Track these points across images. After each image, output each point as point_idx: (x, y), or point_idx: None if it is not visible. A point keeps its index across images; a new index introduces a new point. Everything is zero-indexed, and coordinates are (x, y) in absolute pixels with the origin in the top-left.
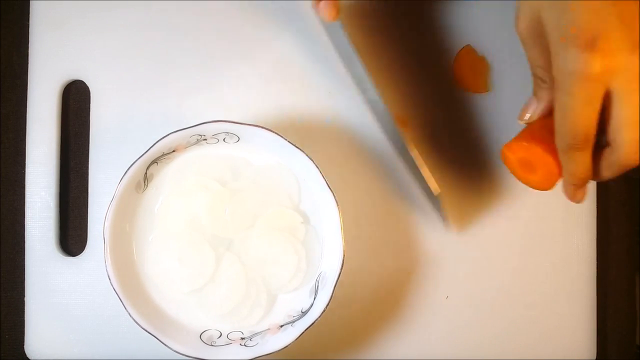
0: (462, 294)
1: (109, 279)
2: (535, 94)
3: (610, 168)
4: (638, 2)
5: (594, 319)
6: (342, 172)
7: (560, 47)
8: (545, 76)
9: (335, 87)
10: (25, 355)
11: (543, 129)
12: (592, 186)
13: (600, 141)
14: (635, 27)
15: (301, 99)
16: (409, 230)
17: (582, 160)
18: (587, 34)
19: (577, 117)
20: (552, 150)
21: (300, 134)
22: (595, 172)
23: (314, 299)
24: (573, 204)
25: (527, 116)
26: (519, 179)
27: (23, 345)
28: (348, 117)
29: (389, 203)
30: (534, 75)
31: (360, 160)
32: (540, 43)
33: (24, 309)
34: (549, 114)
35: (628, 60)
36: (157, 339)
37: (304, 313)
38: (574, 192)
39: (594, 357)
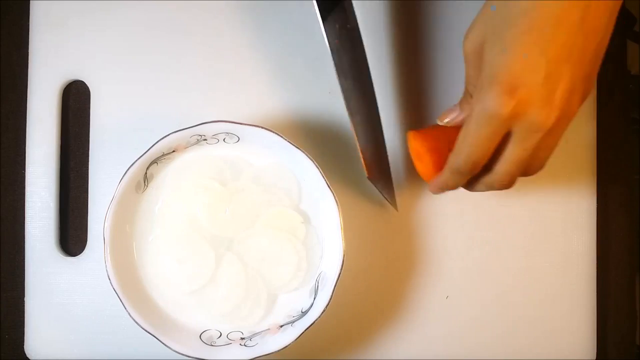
0: (462, 294)
1: (109, 279)
2: (460, 103)
3: (481, 186)
4: (567, 64)
5: (594, 319)
6: (342, 172)
7: (487, 81)
8: (469, 93)
9: (335, 87)
10: (25, 355)
11: (444, 136)
12: (591, 186)
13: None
14: (555, 88)
15: (301, 99)
16: (409, 229)
17: (460, 181)
18: (513, 80)
19: (475, 146)
20: (436, 154)
21: (300, 134)
22: (469, 184)
23: (314, 299)
24: (573, 204)
25: (446, 121)
26: (413, 161)
27: (23, 345)
28: (348, 117)
29: (389, 203)
30: (466, 88)
31: (360, 160)
32: (478, 66)
33: (24, 309)
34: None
35: (537, 114)
36: (157, 339)
37: (304, 313)
38: (436, 191)
39: (594, 357)
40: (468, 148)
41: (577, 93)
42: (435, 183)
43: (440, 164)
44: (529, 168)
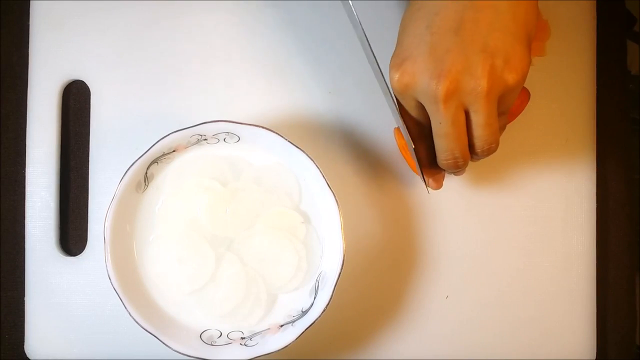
0: (462, 293)
1: (109, 279)
2: None
3: (439, 164)
4: (454, 38)
5: (594, 319)
6: (342, 172)
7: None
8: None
9: (335, 87)
10: (25, 355)
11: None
12: (591, 186)
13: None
14: (442, 59)
15: (301, 99)
16: (410, 230)
17: (423, 150)
18: (401, 55)
19: (406, 118)
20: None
21: (301, 134)
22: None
23: (314, 298)
24: (573, 204)
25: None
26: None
27: (23, 345)
28: (348, 117)
29: (389, 203)
30: None
31: (361, 160)
32: None
33: (24, 309)
34: None
35: (426, 84)
36: (158, 338)
37: (304, 313)
38: (427, 181)
39: (594, 357)
40: (405, 120)
41: (477, 66)
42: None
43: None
44: (473, 148)
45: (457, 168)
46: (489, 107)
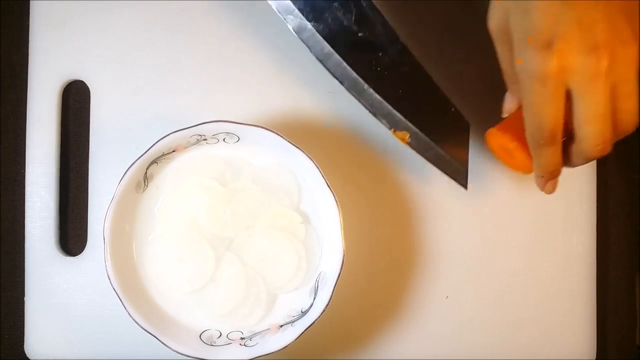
0: (462, 293)
1: (109, 279)
2: (508, 89)
3: (578, 158)
4: (597, 6)
5: (594, 319)
6: (342, 172)
7: (521, 47)
8: (511, 72)
9: (335, 87)
10: (25, 355)
11: (519, 121)
12: (592, 186)
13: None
14: (593, 31)
15: (301, 99)
16: (409, 230)
17: (551, 155)
18: (544, 35)
19: (541, 114)
20: (524, 141)
21: (301, 133)
22: (567, 161)
23: (314, 298)
24: (573, 204)
25: (505, 110)
26: (502, 161)
27: (23, 345)
28: (348, 117)
29: (388, 203)
30: (504, 70)
31: (360, 160)
32: (508, 41)
33: (24, 309)
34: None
35: (584, 61)
36: (157, 338)
37: (303, 313)
38: (544, 184)
39: (594, 357)
40: (535, 119)
41: (624, 29)
42: (536, 172)
43: (529, 151)
44: (618, 124)
45: (604, 153)
46: (637, 72)
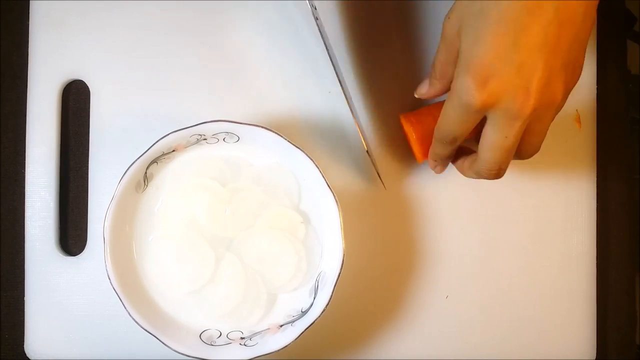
0: (462, 293)
1: (109, 278)
2: (429, 77)
3: (471, 172)
4: (540, 54)
5: (594, 319)
6: (342, 172)
7: (461, 69)
8: (440, 72)
9: (335, 87)
10: (25, 355)
11: (430, 117)
12: (591, 186)
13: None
14: (529, 78)
15: (301, 99)
16: (409, 230)
17: (447, 151)
18: (484, 71)
19: (453, 126)
20: (426, 138)
21: (300, 133)
22: (459, 167)
23: (314, 298)
24: (573, 203)
25: (418, 96)
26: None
27: (23, 345)
28: (348, 117)
29: (389, 202)
30: (434, 63)
31: (360, 160)
32: (452, 50)
33: (24, 308)
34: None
35: (511, 104)
36: (157, 338)
37: (303, 313)
38: (434, 165)
39: (594, 357)
40: (447, 126)
41: (556, 81)
42: (430, 155)
43: (424, 147)
44: (520, 154)
45: (495, 178)
46: (553, 117)
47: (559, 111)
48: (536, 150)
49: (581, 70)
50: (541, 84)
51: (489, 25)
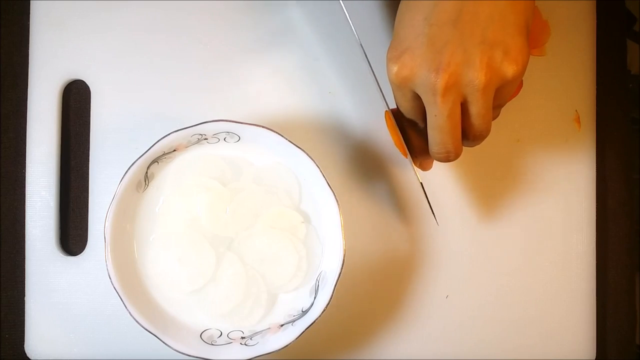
0: (462, 293)
1: (110, 278)
2: None
3: (431, 156)
4: (454, 30)
5: (594, 319)
6: (342, 172)
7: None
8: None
9: (335, 87)
10: (25, 355)
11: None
12: (591, 186)
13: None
14: (441, 51)
15: (301, 99)
16: (410, 230)
17: (415, 139)
18: (400, 46)
19: (401, 107)
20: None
21: (301, 133)
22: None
23: (314, 298)
24: (573, 204)
25: None
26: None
27: (23, 345)
28: (348, 117)
29: (389, 203)
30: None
31: (361, 160)
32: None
33: (24, 308)
34: None
35: (424, 77)
36: (158, 338)
37: (304, 312)
38: (418, 163)
39: (594, 357)
40: (399, 108)
41: (475, 59)
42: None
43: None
44: (465, 136)
45: (448, 161)
46: (486, 99)
47: (491, 96)
48: (480, 135)
49: (522, 56)
50: (455, 59)
51: (406, 5)
